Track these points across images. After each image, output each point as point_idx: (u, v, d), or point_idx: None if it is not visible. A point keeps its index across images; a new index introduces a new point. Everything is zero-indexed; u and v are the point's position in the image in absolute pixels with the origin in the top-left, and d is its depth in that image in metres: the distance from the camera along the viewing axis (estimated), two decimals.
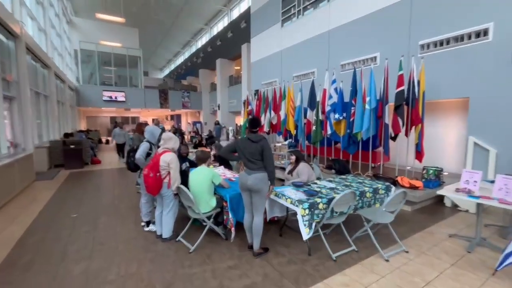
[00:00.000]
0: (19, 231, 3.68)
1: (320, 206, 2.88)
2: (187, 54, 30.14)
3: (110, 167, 8.69)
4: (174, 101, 22.10)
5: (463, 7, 5.06)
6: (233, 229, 3.08)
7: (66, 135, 9.34)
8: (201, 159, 3.43)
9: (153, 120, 28.83)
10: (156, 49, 31.94)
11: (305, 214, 2.76)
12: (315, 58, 8.55)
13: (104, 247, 3.19)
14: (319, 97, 6.58)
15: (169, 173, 3.17)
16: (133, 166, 3.47)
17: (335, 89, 6.08)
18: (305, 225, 2.75)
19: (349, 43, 7.38)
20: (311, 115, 6.87)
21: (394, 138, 5.11)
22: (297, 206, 2.82)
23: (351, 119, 5.70)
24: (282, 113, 7.84)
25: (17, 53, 6.96)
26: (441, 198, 4.77)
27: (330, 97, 6.13)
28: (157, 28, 25.05)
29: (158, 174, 3.12)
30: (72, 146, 8.16)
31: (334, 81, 6.12)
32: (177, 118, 33.50)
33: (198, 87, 24.45)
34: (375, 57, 6.67)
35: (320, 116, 6.53)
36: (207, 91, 23.86)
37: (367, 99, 5.33)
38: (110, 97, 19.07)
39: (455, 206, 4.59)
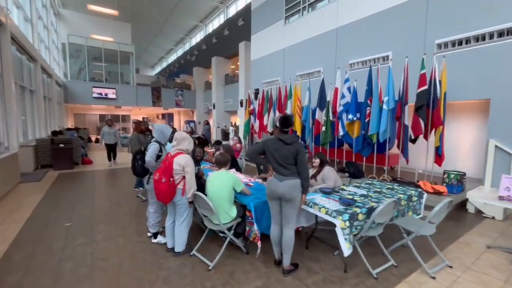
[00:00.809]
0: (2, 244, 3.17)
1: (360, 217, 2.54)
2: (180, 52, 29.45)
3: (103, 167, 8.11)
4: (167, 99, 21.45)
5: (484, 6, 4.87)
6: (259, 242, 2.69)
7: (54, 133, 8.68)
8: (221, 163, 3.03)
9: (143, 118, 28.01)
10: (148, 46, 31.05)
11: (345, 227, 2.41)
12: (321, 57, 8.26)
13: (106, 264, 2.74)
14: (329, 97, 6.28)
15: (183, 178, 2.76)
16: (140, 171, 3.03)
17: (348, 88, 5.79)
18: (346, 239, 2.40)
19: (359, 41, 7.13)
20: (320, 115, 6.56)
21: (414, 141, 4.85)
22: (335, 217, 2.47)
23: (366, 120, 5.41)
24: (288, 113, 7.49)
25: (1, 42, 6.32)
26: (463, 203, 4.54)
27: (343, 96, 5.84)
28: (149, 25, 24.29)
29: (171, 179, 2.70)
30: (61, 145, 7.54)
31: (347, 80, 5.83)
32: (169, 117, 32.70)
33: (192, 85, 23.85)
34: (387, 56, 6.43)
35: (331, 117, 6.23)
36: (201, 90, 23.30)
37: (385, 99, 5.06)
38: (100, 93, 18.25)
39: (479, 212, 4.36)
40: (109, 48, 19.11)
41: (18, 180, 6.12)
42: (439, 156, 4.72)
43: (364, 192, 3.18)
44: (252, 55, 11.85)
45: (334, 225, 2.48)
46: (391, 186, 3.48)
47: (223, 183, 2.85)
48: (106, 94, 18.49)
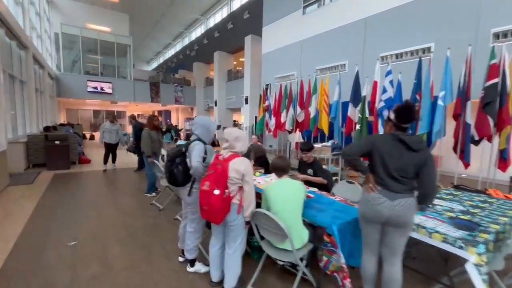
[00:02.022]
0: None
1: (491, 246, 1.85)
2: (178, 47, 28.37)
3: (103, 167, 7.23)
4: (166, 95, 20.53)
5: None
6: (348, 281, 1.97)
7: (47, 128, 7.76)
8: (282, 169, 2.30)
9: (138, 115, 26.99)
10: (144, 40, 29.86)
11: (483, 263, 1.72)
12: (346, 49, 7.59)
13: None
14: (365, 92, 5.61)
15: (240, 189, 2.03)
16: (182, 178, 2.25)
17: (391, 82, 5.13)
18: (483, 280, 1.71)
19: (392, 32, 6.48)
20: (353, 112, 5.89)
21: (477, 142, 4.21)
22: (461, 248, 1.78)
23: None
24: (312, 109, 6.81)
25: None
26: None
27: (384, 91, 5.17)
28: (147, 18, 23.19)
29: (227, 191, 1.96)
30: (56, 142, 6.66)
31: (389, 73, 5.17)
32: (166, 114, 31.69)
33: (192, 81, 22.96)
34: (429, 48, 5.79)
35: (367, 114, 5.56)
36: (201, 86, 22.46)
37: (441, 93, 4.41)
38: (96, 88, 17.22)
39: None
40: (105, 39, 18.06)
41: (6, 182, 5.25)
42: (504, 160, 4.09)
43: (461, 207, 2.49)
44: (263, 48, 11.12)
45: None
46: (483, 199, 2.81)
47: (293, 195, 2.13)
48: (101, 89, 17.47)
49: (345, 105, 6.11)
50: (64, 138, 6.77)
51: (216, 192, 1.93)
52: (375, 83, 5.43)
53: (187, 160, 2.26)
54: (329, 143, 5.72)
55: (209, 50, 20.27)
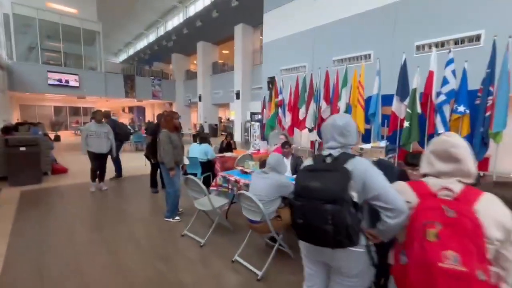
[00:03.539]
0: None
1: None
2: (152, 37, 25.98)
3: (86, 178, 5.35)
4: (142, 89, 18.54)
5: None
6: None
7: (6, 130, 5.96)
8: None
9: (104, 112, 24.51)
10: (113, 30, 26.92)
11: None
12: (370, 38, 6.84)
13: None
14: (415, 83, 4.86)
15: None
16: (354, 233, 1.15)
17: (453, 72, 4.43)
18: None
19: (429, 19, 5.83)
20: (398, 107, 5.13)
21: None
22: None
23: (487, 114, 4.10)
24: (341, 104, 5.96)
25: None
26: None
27: (445, 82, 4.45)
28: (116, 3, 20.74)
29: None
30: (22, 149, 5.01)
31: (450, 61, 4.46)
32: (138, 110, 29.16)
33: (170, 75, 21.09)
34: (478, 36, 5.22)
35: (418, 109, 4.84)
36: (181, 80, 20.68)
37: None
38: (59, 80, 14.82)
39: None
40: (68, 24, 15.56)
41: None
42: None
43: None
44: (265, 37, 10.03)
45: None
46: None
47: None
48: (66, 81, 15.10)
49: (384, 99, 5.34)
50: (33, 143, 5.13)
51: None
52: (431, 73, 4.70)
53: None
54: (382, 143, 4.91)
55: (190, 41, 18.60)
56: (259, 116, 10.80)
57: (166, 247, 2.90)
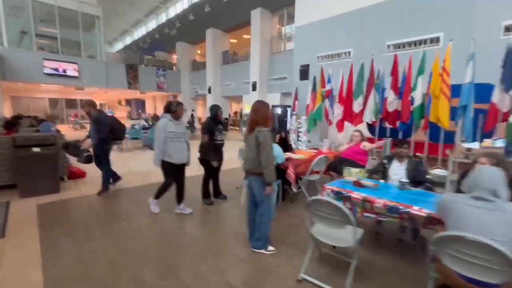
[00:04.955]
0: None
1: None
2: (152, 25, 24.44)
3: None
4: (146, 80, 17.18)
5: None
6: None
7: (11, 125, 4.80)
8: None
9: (100, 105, 22.89)
10: (109, 16, 25.13)
11: None
12: (439, 19, 5.89)
13: None
14: None
15: None
16: None
17: None
18: None
19: None
20: (501, 99, 4.23)
21: None
22: None
23: None
24: (417, 95, 5.04)
25: None
26: None
27: None
28: None
29: None
30: (36, 150, 3.91)
31: None
32: (137, 103, 27.63)
33: (174, 64, 19.75)
34: None
35: None
36: (186, 70, 19.37)
37: None
38: (56, 69, 13.41)
39: None
40: (65, 7, 14.05)
41: None
42: None
43: None
44: (297, 20, 8.96)
45: None
46: None
47: None
48: (64, 71, 13.69)
49: (484, 88, 4.44)
50: (49, 142, 4.03)
51: None
52: None
53: None
54: (497, 143, 4.01)
55: (196, 28, 17.30)
56: (288, 109, 9.75)
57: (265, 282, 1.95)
